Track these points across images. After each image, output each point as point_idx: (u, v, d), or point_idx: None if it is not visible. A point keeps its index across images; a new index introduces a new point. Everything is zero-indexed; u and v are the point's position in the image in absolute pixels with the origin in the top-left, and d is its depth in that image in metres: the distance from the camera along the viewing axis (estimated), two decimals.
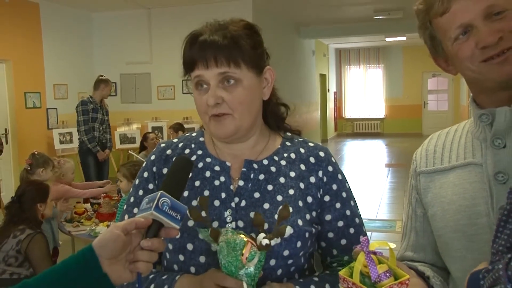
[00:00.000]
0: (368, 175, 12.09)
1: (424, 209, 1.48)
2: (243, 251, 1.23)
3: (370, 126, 21.52)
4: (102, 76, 8.29)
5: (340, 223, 1.51)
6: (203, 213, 1.33)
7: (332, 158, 1.56)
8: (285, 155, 1.53)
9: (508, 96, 1.27)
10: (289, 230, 1.31)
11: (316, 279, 1.44)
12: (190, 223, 1.40)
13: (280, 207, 1.34)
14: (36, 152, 5.48)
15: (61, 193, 5.39)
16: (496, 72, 1.24)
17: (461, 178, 1.36)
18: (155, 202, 1.13)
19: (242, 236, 1.26)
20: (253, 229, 1.36)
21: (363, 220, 1.59)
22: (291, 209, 1.41)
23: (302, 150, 1.55)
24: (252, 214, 1.40)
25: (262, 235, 1.27)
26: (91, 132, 7.87)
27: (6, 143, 8.77)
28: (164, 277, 1.41)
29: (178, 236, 1.41)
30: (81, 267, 1.09)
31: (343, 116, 21.96)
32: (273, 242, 1.28)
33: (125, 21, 11.09)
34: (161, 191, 1.16)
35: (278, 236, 1.29)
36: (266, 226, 1.37)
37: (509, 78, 1.23)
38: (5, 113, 9.15)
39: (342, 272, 1.11)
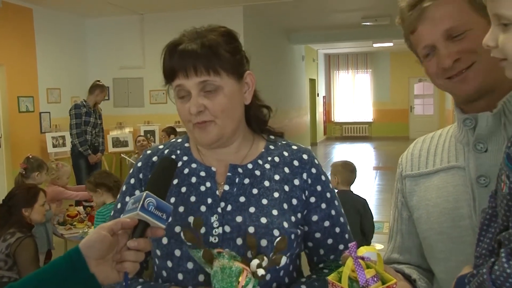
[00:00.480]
0: (357, 178, 12.09)
1: (410, 212, 1.48)
2: (239, 279, 1.21)
3: (359, 130, 21.58)
4: (99, 81, 8.29)
5: (327, 223, 1.51)
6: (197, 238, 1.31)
7: (315, 160, 1.56)
8: (269, 158, 1.52)
9: (485, 104, 1.29)
10: (283, 261, 1.32)
11: (304, 286, 1.43)
12: (177, 229, 1.39)
13: (277, 239, 1.33)
14: (30, 156, 5.46)
15: (55, 194, 5.39)
16: (458, 90, 1.30)
17: (445, 181, 1.37)
18: (140, 203, 1.12)
19: (238, 263, 1.24)
20: (240, 234, 1.37)
21: None
22: (276, 212, 1.42)
23: (286, 153, 1.54)
24: (238, 219, 1.40)
25: (256, 261, 1.26)
26: (83, 136, 7.88)
27: (0, 146, 8.71)
28: None
29: (165, 243, 1.41)
30: (69, 268, 1.08)
31: (332, 120, 22.00)
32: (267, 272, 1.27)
33: (118, 26, 11.05)
34: (147, 192, 1.15)
35: (273, 265, 1.29)
36: (252, 229, 1.37)
37: (469, 94, 1.29)
38: None
39: (331, 277, 1.12)
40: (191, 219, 1.39)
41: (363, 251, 1.10)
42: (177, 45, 1.40)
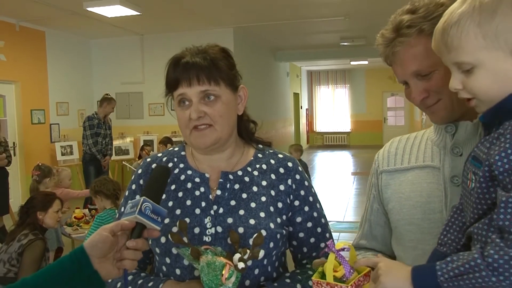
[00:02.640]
0: (337, 182, 12.14)
1: (379, 205, 1.51)
2: (223, 272, 1.23)
3: (338, 139, 21.66)
4: (107, 94, 8.27)
5: (309, 224, 1.52)
6: (185, 239, 1.31)
7: (299, 168, 1.57)
8: (257, 166, 1.52)
9: (467, 119, 1.32)
10: (261, 254, 1.33)
11: (288, 280, 1.43)
12: (175, 229, 1.38)
13: (255, 235, 1.33)
14: (40, 164, 5.42)
15: (63, 195, 5.34)
16: (430, 118, 1.35)
17: (419, 178, 1.39)
18: (138, 207, 1.13)
19: (222, 258, 1.26)
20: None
21: (333, 222, 1.60)
22: (263, 214, 1.42)
23: (272, 161, 1.54)
24: (229, 220, 1.40)
25: (237, 256, 1.27)
26: (98, 144, 7.89)
27: (14, 155, 8.71)
28: (150, 284, 1.39)
29: (164, 242, 1.40)
30: (74, 265, 1.10)
31: (314, 130, 22.07)
32: (248, 263, 1.29)
33: (120, 46, 11.06)
34: (144, 197, 1.15)
35: (252, 259, 1.29)
36: (242, 230, 1.37)
37: (440, 123, 1.35)
38: (14, 128, 9.11)
39: (315, 277, 1.13)
40: (187, 220, 1.39)
41: (340, 245, 1.11)
42: (181, 58, 1.41)
